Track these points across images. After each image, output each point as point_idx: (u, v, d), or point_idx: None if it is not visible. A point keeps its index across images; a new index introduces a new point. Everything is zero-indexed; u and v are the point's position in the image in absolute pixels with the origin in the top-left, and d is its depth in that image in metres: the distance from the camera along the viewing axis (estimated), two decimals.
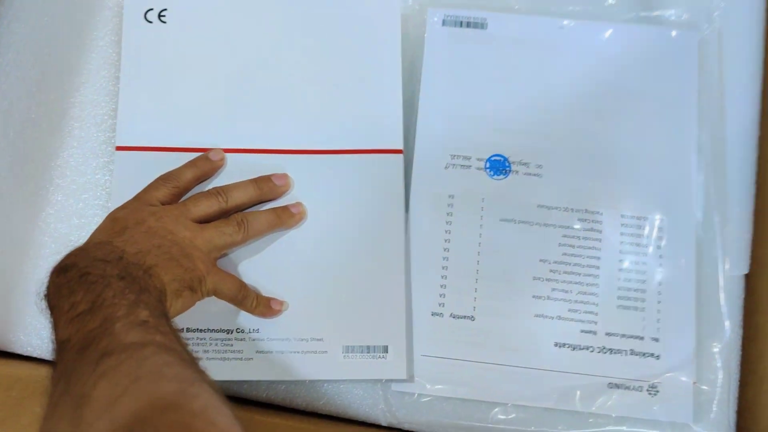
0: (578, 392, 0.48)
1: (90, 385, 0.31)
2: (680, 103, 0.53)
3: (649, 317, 0.49)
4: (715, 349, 0.50)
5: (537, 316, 0.49)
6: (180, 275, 0.44)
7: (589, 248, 0.50)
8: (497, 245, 0.50)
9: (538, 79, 0.53)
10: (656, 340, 0.49)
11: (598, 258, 0.50)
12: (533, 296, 0.50)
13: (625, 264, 0.50)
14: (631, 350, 0.49)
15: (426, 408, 0.49)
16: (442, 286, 0.50)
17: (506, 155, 0.52)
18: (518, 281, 0.50)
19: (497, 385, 0.48)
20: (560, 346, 0.49)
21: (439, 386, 0.48)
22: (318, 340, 0.50)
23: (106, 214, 0.48)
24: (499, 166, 0.52)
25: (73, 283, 0.38)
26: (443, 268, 0.50)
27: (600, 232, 0.50)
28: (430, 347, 0.49)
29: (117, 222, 0.45)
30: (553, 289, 0.50)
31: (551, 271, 0.50)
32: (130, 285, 0.38)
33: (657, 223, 0.51)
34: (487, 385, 0.48)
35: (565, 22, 0.54)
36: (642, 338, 0.49)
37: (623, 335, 0.49)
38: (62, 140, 0.56)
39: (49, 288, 0.39)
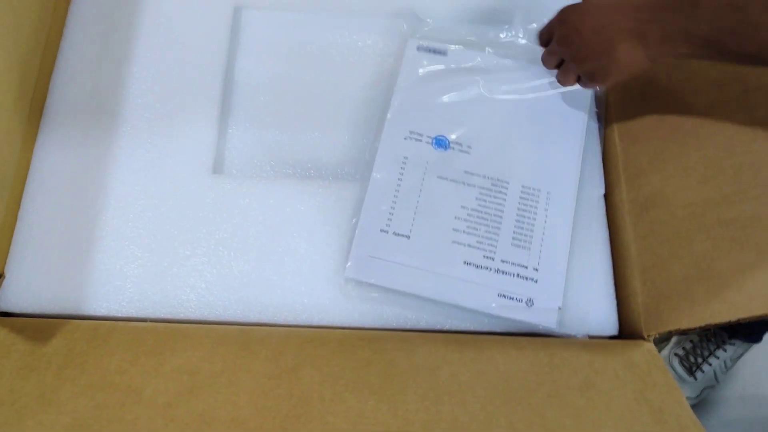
0: (477, 296, 0.63)
1: None
2: (573, 118, 0.71)
3: (533, 254, 0.65)
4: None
5: (454, 242, 0.65)
6: None
7: (497, 203, 0.66)
8: (432, 193, 0.66)
9: (475, 91, 0.71)
10: (536, 270, 0.64)
11: (502, 210, 0.66)
12: (453, 229, 0.65)
13: (520, 217, 0.66)
14: (517, 274, 0.64)
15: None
16: (390, 213, 0.65)
17: (448, 136, 0.69)
18: (444, 217, 0.65)
19: (421, 282, 0.62)
20: (468, 264, 0.64)
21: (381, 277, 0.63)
22: None
23: None
24: (441, 143, 0.69)
25: None
26: (393, 202, 0.65)
27: (506, 194, 0.67)
28: (377, 252, 0.63)
29: None
30: (468, 226, 0.65)
31: (467, 214, 0.66)
32: None
33: (546, 193, 0.67)
34: (414, 282, 0.62)
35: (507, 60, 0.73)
36: (526, 267, 0.64)
37: (513, 263, 0.64)
38: None
39: None
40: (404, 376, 0.55)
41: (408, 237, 0.64)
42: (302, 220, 0.64)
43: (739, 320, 0.55)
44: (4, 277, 0.60)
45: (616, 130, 0.69)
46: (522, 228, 0.65)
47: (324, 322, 0.61)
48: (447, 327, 0.62)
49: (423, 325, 0.62)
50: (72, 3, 0.69)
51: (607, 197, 0.69)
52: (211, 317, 0.60)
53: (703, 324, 0.58)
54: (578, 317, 0.63)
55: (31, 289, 0.59)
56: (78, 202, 0.62)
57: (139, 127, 0.65)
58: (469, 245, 0.64)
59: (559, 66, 0.63)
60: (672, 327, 0.59)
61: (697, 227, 0.60)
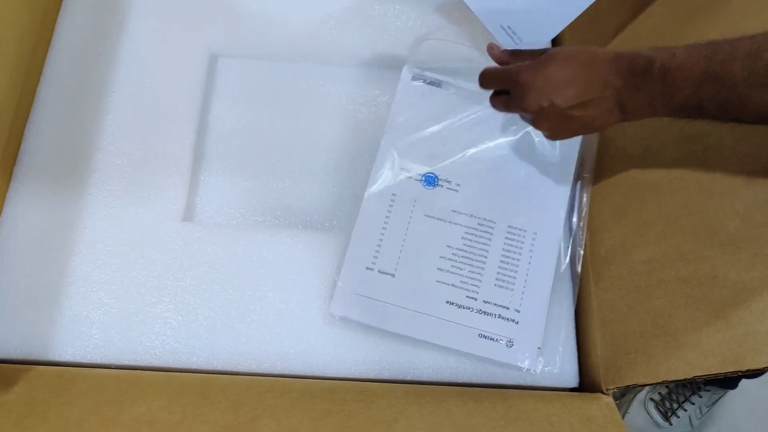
0: (457, 336, 0.63)
1: None
2: (563, 158, 0.71)
3: (516, 294, 0.65)
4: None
5: (438, 281, 0.65)
6: None
7: (482, 243, 0.67)
8: (419, 231, 0.67)
9: (468, 126, 0.71)
10: (518, 311, 0.65)
11: (487, 250, 0.67)
12: (437, 268, 0.66)
13: (505, 257, 0.66)
14: (499, 315, 0.65)
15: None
16: (376, 251, 0.66)
17: (437, 174, 0.69)
18: (429, 256, 0.66)
19: (404, 322, 0.63)
20: (450, 304, 0.65)
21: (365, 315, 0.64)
22: None
23: None
24: (430, 180, 0.69)
25: None
26: (380, 239, 0.66)
27: (491, 233, 0.67)
28: (362, 289, 0.64)
29: None
30: (452, 265, 0.66)
31: (453, 254, 0.66)
32: None
33: (532, 234, 0.67)
34: (397, 321, 0.63)
35: None
36: (508, 308, 0.65)
37: (495, 304, 0.65)
38: None
39: None
40: (361, 428, 0.56)
41: (393, 275, 0.65)
42: (269, 268, 0.65)
43: (694, 377, 0.56)
44: None
45: (581, 182, 0.70)
46: (506, 268, 0.66)
47: (287, 371, 0.62)
48: (409, 377, 0.63)
49: (386, 375, 0.63)
50: (50, 49, 0.70)
51: (572, 250, 0.70)
52: (176, 364, 0.61)
53: (659, 380, 0.58)
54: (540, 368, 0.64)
55: None
56: (48, 248, 0.63)
57: (111, 174, 0.66)
58: (453, 285, 0.65)
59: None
60: (629, 382, 0.60)
61: (655, 283, 0.61)
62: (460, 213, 0.68)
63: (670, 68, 0.49)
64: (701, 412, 1.00)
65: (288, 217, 0.69)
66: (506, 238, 0.67)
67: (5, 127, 0.63)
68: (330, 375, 0.62)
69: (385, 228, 0.67)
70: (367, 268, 0.65)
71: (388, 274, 0.65)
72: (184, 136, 0.69)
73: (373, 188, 0.67)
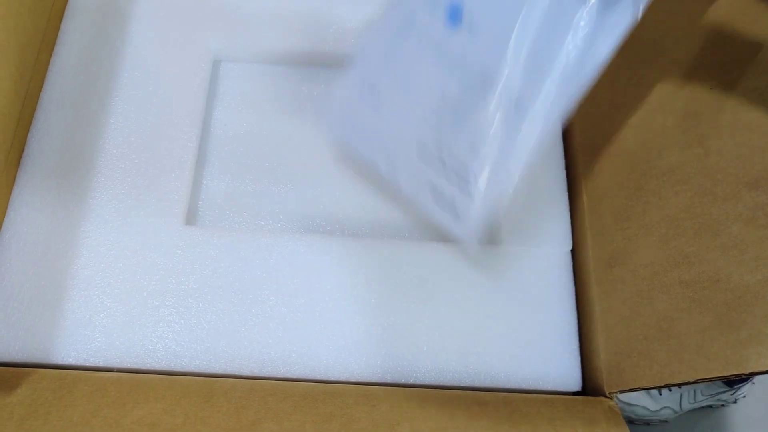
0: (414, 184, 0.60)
1: None
2: None
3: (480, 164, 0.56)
4: None
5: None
6: None
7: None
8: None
9: None
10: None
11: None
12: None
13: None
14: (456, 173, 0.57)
15: None
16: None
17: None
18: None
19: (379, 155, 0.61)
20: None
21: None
22: None
23: None
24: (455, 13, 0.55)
25: None
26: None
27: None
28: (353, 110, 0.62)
29: None
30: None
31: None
32: None
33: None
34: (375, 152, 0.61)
35: None
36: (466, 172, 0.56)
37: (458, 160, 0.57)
38: None
39: None
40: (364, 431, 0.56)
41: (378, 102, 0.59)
42: (271, 271, 0.65)
43: (697, 381, 0.56)
44: None
45: (584, 186, 0.70)
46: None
47: (289, 375, 0.62)
48: (411, 381, 0.63)
49: (388, 378, 0.63)
50: (54, 55, 0.71)
51: (574, 254, 0.70)
52: (178, 368, 0.61)
53: (663, 384, 0.58)
54: (543, 372, 0.64)
55: (0, 337, 0.60)
56: (50, 251, 0.63)
57: (113, 178, 0.66)
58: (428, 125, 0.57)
59: None
60: (633, 385, 0.60)
61: (658, 287, 0.61)
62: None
63: None
64: (695, 398, 0.98)
65: (290, 221, 0.69)
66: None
67: (9, 133, 0.63)
68: (332, 378, 0.62)
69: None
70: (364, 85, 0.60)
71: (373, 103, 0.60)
72: (187, 139, 0.69)
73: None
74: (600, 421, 0.59)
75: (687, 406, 1.00)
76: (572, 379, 0.64)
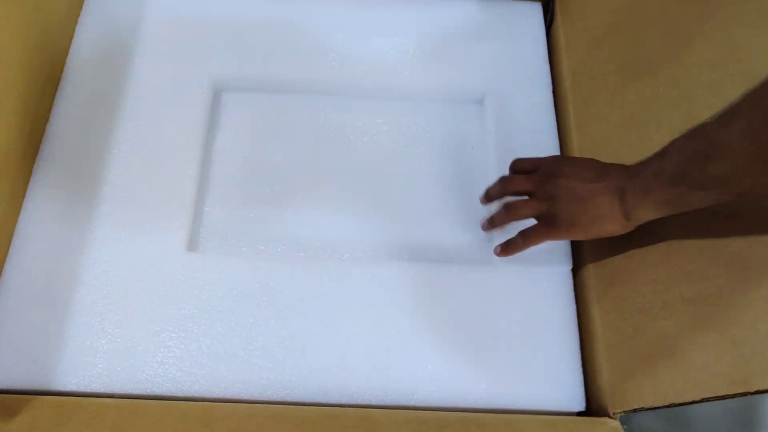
0: None
1: None
2: None
3: None
4: None
5: None
6: None
7: None
8: None
9: None
10: None
11: None
12: None
13: None
14: None
15: None
16: None
17: None
18: None
19: None
20: None
21: None
22: None
23: None
24: None
25: None
26: None
27: None
28: None
29: None
30: None
31: None
32: None
33: None
34: None
35: None
36: None
37: None
38: None
39: None
40: None
41: None
42: (271, 296, 0.65)
43: (702, 400, 0.55)
44: None
45: None
46: None
47: (289, 398, 0.61)
48: (412, 403, 0.62)
49: (388, 401, 0.62)
50: (58, 89, 0.72)
51: (575, 272, 0.69)
52: (179, 392, 0.61)
53: (667, 403, 0.57)
54: (544, 392, 0.63)
55: (3, 364, 0.61)
56: (52, 278, 0.64)
57: (117, 205, 0.68)
58: None
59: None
60: (637, 405, 0.59)
61: (660, 304, 0.60)
62: None
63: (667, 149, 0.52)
64: None
65: (290, 247, 0.70)
66: None
67: (15, 165, 0.65)
68: (331, 402, 0.62)
69: None
70: None
71: None
72: (189, 167, 0.70)
73: None
74: None
75: None
76: (575, 399, 0.63)
